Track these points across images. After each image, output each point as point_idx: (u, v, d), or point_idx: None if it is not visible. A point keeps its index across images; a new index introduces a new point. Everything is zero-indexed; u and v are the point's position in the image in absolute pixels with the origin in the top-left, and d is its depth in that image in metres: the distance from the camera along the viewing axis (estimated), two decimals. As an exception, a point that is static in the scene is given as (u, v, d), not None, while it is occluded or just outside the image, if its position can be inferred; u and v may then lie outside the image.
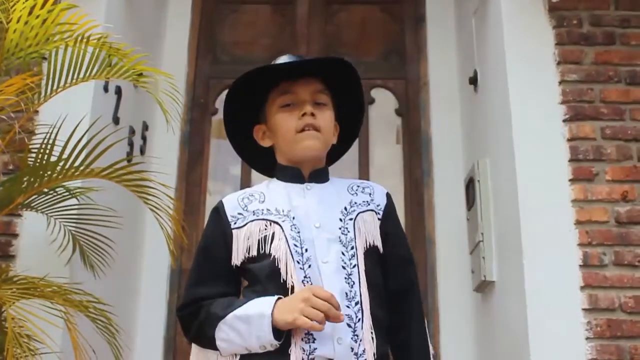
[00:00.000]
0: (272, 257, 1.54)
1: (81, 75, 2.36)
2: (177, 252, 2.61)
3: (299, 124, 1.64)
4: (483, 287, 3.02)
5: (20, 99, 2.09)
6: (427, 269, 3.44)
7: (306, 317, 1.43)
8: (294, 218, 1.59)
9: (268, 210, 1.62)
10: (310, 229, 1.58)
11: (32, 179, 2.31)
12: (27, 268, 2.36)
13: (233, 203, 1.66)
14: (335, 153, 1.81)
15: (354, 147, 3.60)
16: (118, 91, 3.04)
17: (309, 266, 1.54)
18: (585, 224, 2.60)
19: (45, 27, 2.23)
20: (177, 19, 3.89)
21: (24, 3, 2.20)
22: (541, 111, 2.76)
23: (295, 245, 1.55)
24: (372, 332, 1.50)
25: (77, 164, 2.31)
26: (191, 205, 3.60)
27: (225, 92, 3.77)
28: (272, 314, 1.47)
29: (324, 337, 1.48)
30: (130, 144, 3.24)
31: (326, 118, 1.68)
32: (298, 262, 1.53)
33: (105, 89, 2.90)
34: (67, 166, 2.31)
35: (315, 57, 1.73)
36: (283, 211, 1.60)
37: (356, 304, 1.52)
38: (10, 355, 1.82)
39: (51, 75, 2.32)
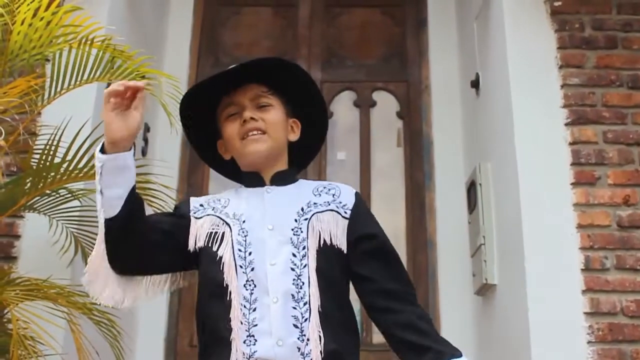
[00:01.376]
0: (217, 258, 1.57)
1: (85, 77, 2.36)
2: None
3: (241, 132, 1.67)
4: (484, 290, 3.02)
5: (24, 101, 2.10)
6: (428, 272, 3.44)
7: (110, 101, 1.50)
8: (244, 222, 1.61)
9: (226, 213, 1.64)
10: (262, 231, 1.60)
11: (35, 181, 2.31)
12: (29, 270, 2.36)
13: (198, 199, 1.72)
14: (311, 150, 1.83)
15: (355, 150, 3.67)
16: (120, 93, 3.03)
17: (252, 269, 1.55)
18: (587, 228, 2.60)
19: (49, 29, 2.23)
20: (179, 22, 3.90)
21: (28, 5, 2.21)
22: (543, 115, 2.76)
23: (240, 250, 1.57)
24: (319, 331, 1.50)
25: (80, 165, 2.32)
26: (192, 207, 3.60)
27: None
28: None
29: (265, 340, 1.49)
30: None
31: (271, 118, 1.69)
32: (241, 267, 1.55)
33: (108, 91, 2.89)
34: (70, 168, 2.31)
35: (247, 61, 1.74)
36: (235, 215, 1.63)
37: (304, 304, 1.53)
38: (15, 357, 1.82)
39: (55, 77, 2.33)
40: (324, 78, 3.83)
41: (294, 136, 1.76)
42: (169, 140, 3.36)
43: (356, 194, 1.72)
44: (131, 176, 1.54)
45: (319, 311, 1.53)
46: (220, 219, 1.63)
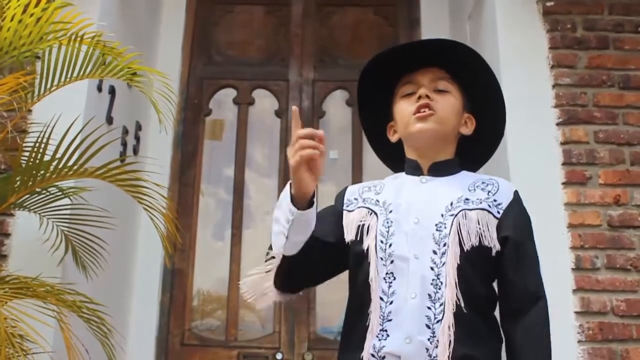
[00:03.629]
0: (362, 250, 1.58)
1: (75, 74, 2.34)
2: (171, 251, 2.60)
3: (414, 107, 1.64)
4: (475, 289, 3.02)
5: (13, 98, 2.08)
6: (419, 271, 3.44)
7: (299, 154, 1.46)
8: (390, 212, 1.60)
9: (377, 201, 1.64)
10: (407, 224, 1.57)
11: (24, 179, 2.29)
12: (19, 268, 2.34)
13: (353, 189, 1.72)
14: (482, 153, 1.81)
15: (347, 149, 3.67)
16: (112, 91, 3.03)
17: (392, 262, 1.53)
18: (578, 228, 2.61)
19: (39, 25, 2.22)
20: (172, 19, 3.89)
21: (18, 1, 2.19)
22: (535, 115, 2.77)
23: (381, 242, 1.56)
24: (450, 335, 1.45)
25: (70, 163, 2.30)
26: (184, 205, 3.59)
27: (218, 92, 3.82)
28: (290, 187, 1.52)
29: (396, 335, 1.48)
30: (124, 144, 3.23)
31: (445, 102, 1.65)
32: (381, 259, 1.54)
33: (99, 89, 2.89)
34: (60, 166, 2.29)
35: (436, 39, 1.72)
36: (385, 203, 1.62)
37: (440, 305, 1.48)
38: (2, 356, 1.80)
39: (45, 74, 2.31)
40: (316, 77, 3.83)
41: (467, 130, 1.71)
42: (160, 139, 3.35)
43: (515, 192, 1.65)
44: (313, 226, 1.55)
45: (453, 314, 1.47)
46: (369, 209, 1.63)
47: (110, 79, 2.43)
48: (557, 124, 2.75)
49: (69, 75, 2.33)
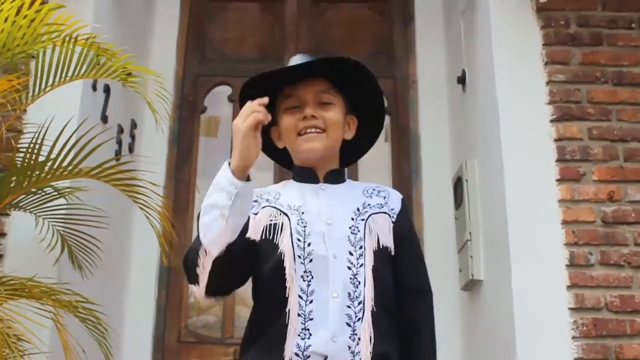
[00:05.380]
0: (276, 249, 1.57)
1: (69, 75, 2.35)
2: (167, 248, 2.61)
3: (300, 127, 1.67)
4: (471, 286, 3.04)
5: (7, 100, 2.09)
6: (415, 268, 3.45)
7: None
8: (303, 213, 1.61)
9: (281, 204, 1.64)
10: (322, 225, 1.59)
11: (20, 179, 2.30)
12: (15, 268, 2.35)
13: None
14: (360, 149, 1.82)
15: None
16: (106, 90, 3.03)
17: (310, 260, 1.55)
18: (572, 224, 2.62)
19: (33, 27, 2.22)
20: (166, 18, 3.88)
21: (11, 3, 2.19)
22: (528, 111, 2.77)
23: (299, 240, 1.57)
24: (371, 332, 1.51)
25: (65, 163, 2.30)
26: (180, 203, 3.60)
27: (213, 89, 3.81)
28: (228, 164, 1.49)
29: (320, 334, 1.49)
30: (119, 142, 3.23)
31: (332, 117, 1.68)
32: (299, 257, 1.55)
33: (94, 88, 2.89)
34: (55, 166, 2.30)
35: (317, 57, 1.72)
36: (293, 206, 1.63)
37: (359, 303, 1.53)
38: (-1, 357, 1.81)
39: (39, 75, 2.32)
40: (311, 74, 3.83)
41: (350, 134, 1.75)
42: (155, 137, 3.34)
43: (402, 200, 1.74)
44: (250, 209, 1.53)
45: (372, 312, 1.53)
46: (277, 209, 1.63)
47: (105, 78, 2.43)
48: (551, 121, 2.75)
49: (63, 76, 2.33)
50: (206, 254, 1.48)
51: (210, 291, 1.54)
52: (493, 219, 2.83)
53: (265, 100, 1.50)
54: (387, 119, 3.79)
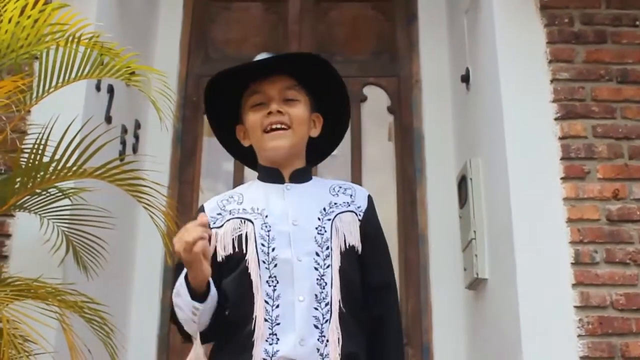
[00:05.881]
0: (243, 256, 1.57)
1: (73, 75, 2.35)
2: (172, 249, 2.61)
3: (265, 123, 1.66)
4: (475, 284, 3.04)
5: (11, 101, 2.09)
6: (419, 267, 3.45)
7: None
8: (267, 216, 1.61)
9: (244, 209, 1.64)
10: (287, 227, 1.59)
11: (24, 180, 2.30)
12: (20, 269, 2.35)
13: (212, 205, 1.70)
14: (326, 148, 1.83)
15: (346, 145, 3.68)
16: (110, 90, 3.03)
17: (275, 265, 1.55)
18: (577, 222, 2.61)
19: (36, 27, 2.22)
20: (169, 17, 3.88)
21: (15, 3, 2.19)
22: (533, 110, 2.77)
23: (263, 245, 1.57)
24: (338, 333, 1.51)
25: (69, 164, 2.30)
26: (184, 203, 3.60)
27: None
28: (185, 276, 1.51)
29: (288, 339, 1.50)
30: (123, 143, 3.23)
31: (297, 113, 1.68)
32: (264, 262, 1.55)
33: (98, 88, 2.89)
34: (59, 167, 2.30)
35: (280, 53, 1.73)
36: (257, 209, 1.62)
37: (326, 305, 1.53)
38: (6, 357, 1.82)
39: (43, 76, 2.32)
40: (314, 73, 3.83)
41: (315, 132, 1.75)
42: (159, 137, 3.35)
43: (369, 197, 1.74)
44: (216, 302, 1.55)
45: (339, 313, 1.53)
46: (241, 219, 1.62)
47: (109, 78, 2.43)
48: (555, 119, 2.75)
49: (67, 77, 2.33)
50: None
51: (211, 340, 1.60)
52: (497, 217, 2.83)
53: (205, 220, 1.50)
54: (390, 118, 3.80)
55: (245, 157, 1.83)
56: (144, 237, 3.35)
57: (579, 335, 2.48)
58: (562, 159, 2.70)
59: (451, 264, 3.32)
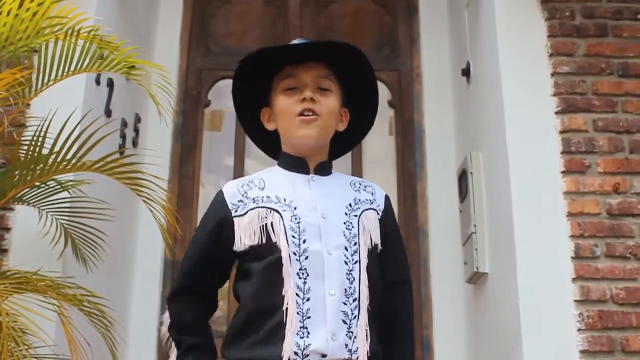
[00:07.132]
0: (270, 246, 1.54)
1: (72, 69, 2.34)
2: (171, 243, 2.61)
3: (298, 108, 1.63)
4: (476, 278, 3.03)
5: (10, 94, 2.08)
6: (420, 261, 3.45)
7: None
8: (295, 208, 1.58)
9: (268, 197, 1.61)
10: (316, 220, 1.57)
11: (23, 173, 2.29)
12: (19, 262, 2.35)
13: (233, 190, 1.65)
14: (347, 143, 1.80)
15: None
16: (110, 83, 3.02)
17: (306, 257, 1.53)
18: (577, 216, 2.61)
19: (35, 20, 2.21)
20: (169, 11, 3.87)
21: (14, -5, 2.19)
22: (533, 103, 2.76)
23: (293, 237, 1.54)
24: (366, 330, 1.50)
25: (69, 157, 2.30)
26: (184, 197, 3.60)
27: (217, 83, 3.81)
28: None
29: (319, 332, 1.48)
30: (123, 136, 3.23)
31: (328, 104, 1.66)
32: (295, 254, 1.53)
33: (97, 82, 2.88)
34: (58, 159, 2.29)
35: (322, 41, 1.71)
36: (285, 200, 1.60)
37: (354, 300, 1.52)
38: (5, 350, 1.82)
39: (42, 69, 2.31)
40: (315, 67, 3.82)
41: (342, 126, 1.73)
42: (159, 131, 3.35)
43: (386, 196, 1.73)
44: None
45: (367, 310, 1.53)
46: (267, 208, 1.59)
47: (108, 72, 2.42)
48: (556, 113, 2.74)
49: (66, 70, 2.32)
50: None
51: None
52: (498, 211, 2.82)
53: None
54: (391, 112, 3.79)
55: (262, 140, 1.79)
56: (144, 230, 3.35)
57: (579, 329, 2.47)
58: (562, 152, 2.69)
59: (451, 258, 3.32)
